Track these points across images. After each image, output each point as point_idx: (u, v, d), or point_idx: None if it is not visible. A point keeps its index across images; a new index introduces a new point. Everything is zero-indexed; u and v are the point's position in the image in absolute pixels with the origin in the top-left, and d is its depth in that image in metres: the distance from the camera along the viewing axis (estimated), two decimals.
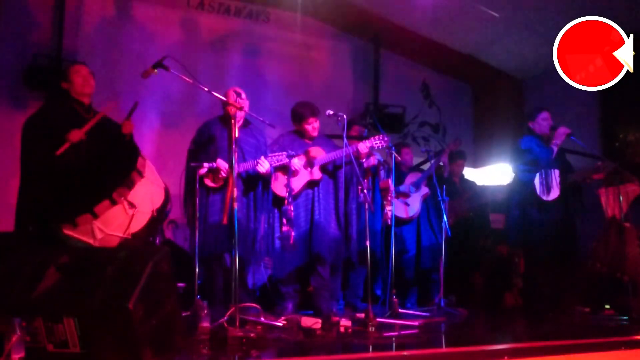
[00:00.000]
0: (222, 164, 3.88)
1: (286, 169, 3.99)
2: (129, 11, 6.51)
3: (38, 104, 5.76)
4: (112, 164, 3.31)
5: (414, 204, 5.25)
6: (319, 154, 4.28)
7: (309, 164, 4.23)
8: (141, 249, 2.90)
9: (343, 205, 4.30)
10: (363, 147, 4.19)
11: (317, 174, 4.23)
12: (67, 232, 2.97)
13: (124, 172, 3.11)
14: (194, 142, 4.12)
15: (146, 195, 3.18)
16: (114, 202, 2.98)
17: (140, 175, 3.14)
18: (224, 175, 3.87)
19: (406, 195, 5.22)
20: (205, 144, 4.02)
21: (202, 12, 6.92)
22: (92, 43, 6.22)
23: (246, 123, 4.15)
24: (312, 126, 4.32)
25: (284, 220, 3.82)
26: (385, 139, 4.22)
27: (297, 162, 4.14)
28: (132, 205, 3.05)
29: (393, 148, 4.43)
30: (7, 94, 5.80)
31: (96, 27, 6.28)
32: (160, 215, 3.40)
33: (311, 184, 4.24)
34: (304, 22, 7.32)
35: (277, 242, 4.13)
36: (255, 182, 4.05)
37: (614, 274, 4.58)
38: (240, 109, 3.61)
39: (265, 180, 4.08)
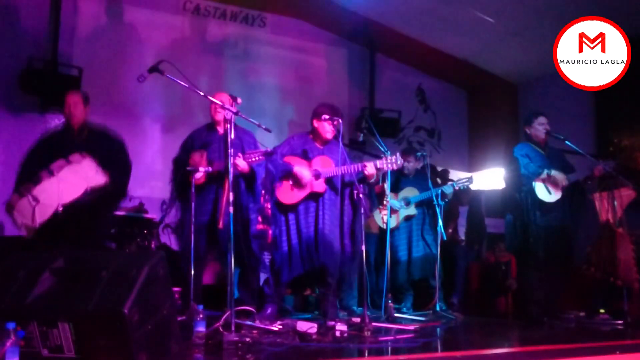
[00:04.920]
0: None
1: (294, 178, 4.00)
2: (124, 15, 6.51)
3: (33, 108, 5.78)
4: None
5: (395, 219, 5.12)
6: (326, 164, 4.13)
7: (314, 174, 4.09)
8: (137, 254, 2.89)
9: (349, 223, 4.18)
10: (371, 168, 4.06)
11: (320, 187, 4.09)
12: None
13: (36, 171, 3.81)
14: (181, 149, 4.13)
15: (53, 191, 3.75)
16: (21, 195, 3.71)
17: (50, 173, 3.73)
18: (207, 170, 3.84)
19: (394, 209, 5.09)
20: (192, 151, 4.01)
21: (197, 17, 6.92)
22: (87, 47, 6.22)
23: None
24: (326, 126, 4.13)
25: (259, 218, 3.71)
26: (400, 162, 4.12)
27: (307, 174, 4.05)
28: (35, 199, 3.70)
29: (388, 152, 4.40)
30: (2, 97, 5.78)
31: (92, 32, 6.28)
32: (70, 210, 3.78)
33: (314, 196, 4.10)
34: (300, 27, 7.34)
35: (285, 248, 4.06)
36: (237, 183, 3.89)
37: (608, 279, 4.60)
38: (236, 113, 3.59)
39: (247, 179, 3.93)
